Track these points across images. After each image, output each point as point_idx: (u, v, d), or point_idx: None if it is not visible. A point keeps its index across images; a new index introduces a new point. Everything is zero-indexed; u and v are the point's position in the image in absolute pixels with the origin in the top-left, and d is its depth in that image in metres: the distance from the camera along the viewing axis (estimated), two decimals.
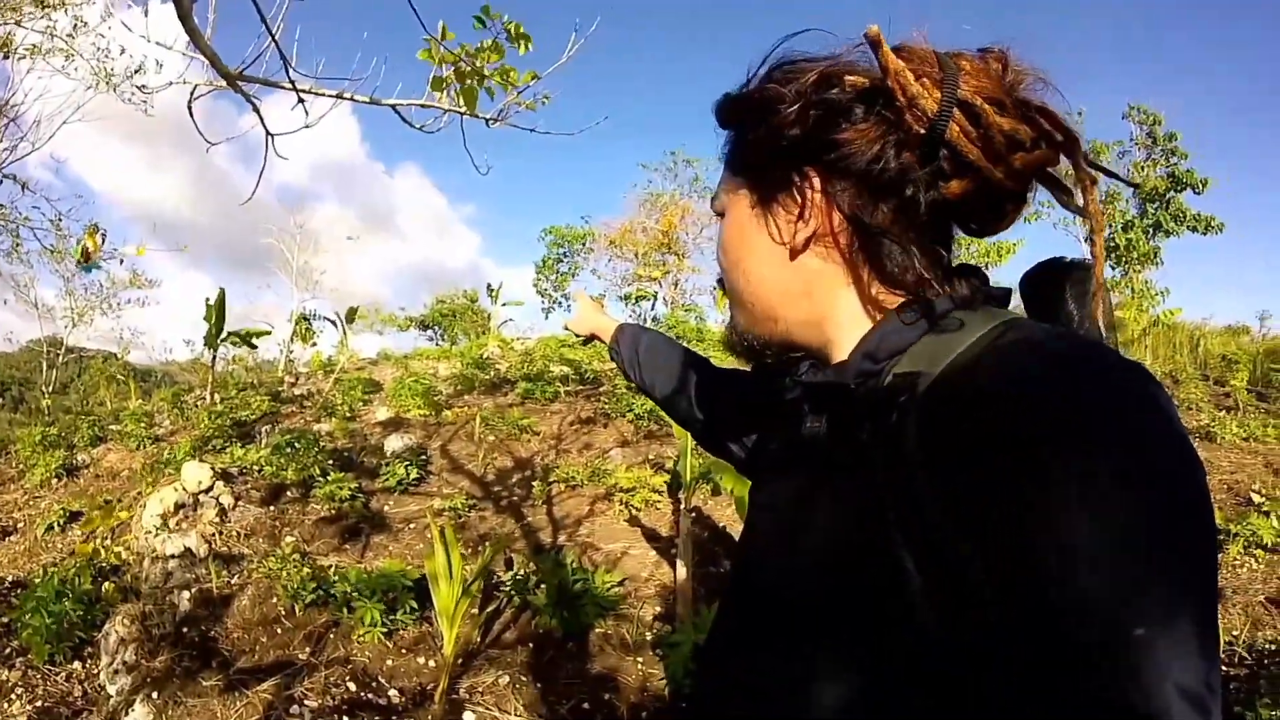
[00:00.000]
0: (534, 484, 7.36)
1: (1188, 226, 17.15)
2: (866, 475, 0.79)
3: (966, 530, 0.67)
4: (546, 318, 26.32)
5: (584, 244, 25.72)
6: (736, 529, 6.44)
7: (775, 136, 0.90)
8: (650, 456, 8.17)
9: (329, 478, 6.93)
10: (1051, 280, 0.89)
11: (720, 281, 1.07)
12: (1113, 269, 17.78)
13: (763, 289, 0.98)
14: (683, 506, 5.56)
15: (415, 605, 5.06)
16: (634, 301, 23.77)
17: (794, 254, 0.93)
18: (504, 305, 21.26)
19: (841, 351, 0.92)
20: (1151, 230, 17.38)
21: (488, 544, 6.05)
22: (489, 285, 21.65)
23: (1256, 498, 6.06)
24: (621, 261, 25.22)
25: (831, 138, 0.86)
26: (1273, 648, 4.46)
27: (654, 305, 23.88)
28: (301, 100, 3.33)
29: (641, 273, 23.98)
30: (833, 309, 0.94)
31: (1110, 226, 17.46)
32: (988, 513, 0.66)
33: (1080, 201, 0.84)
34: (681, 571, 5.12)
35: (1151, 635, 0.60)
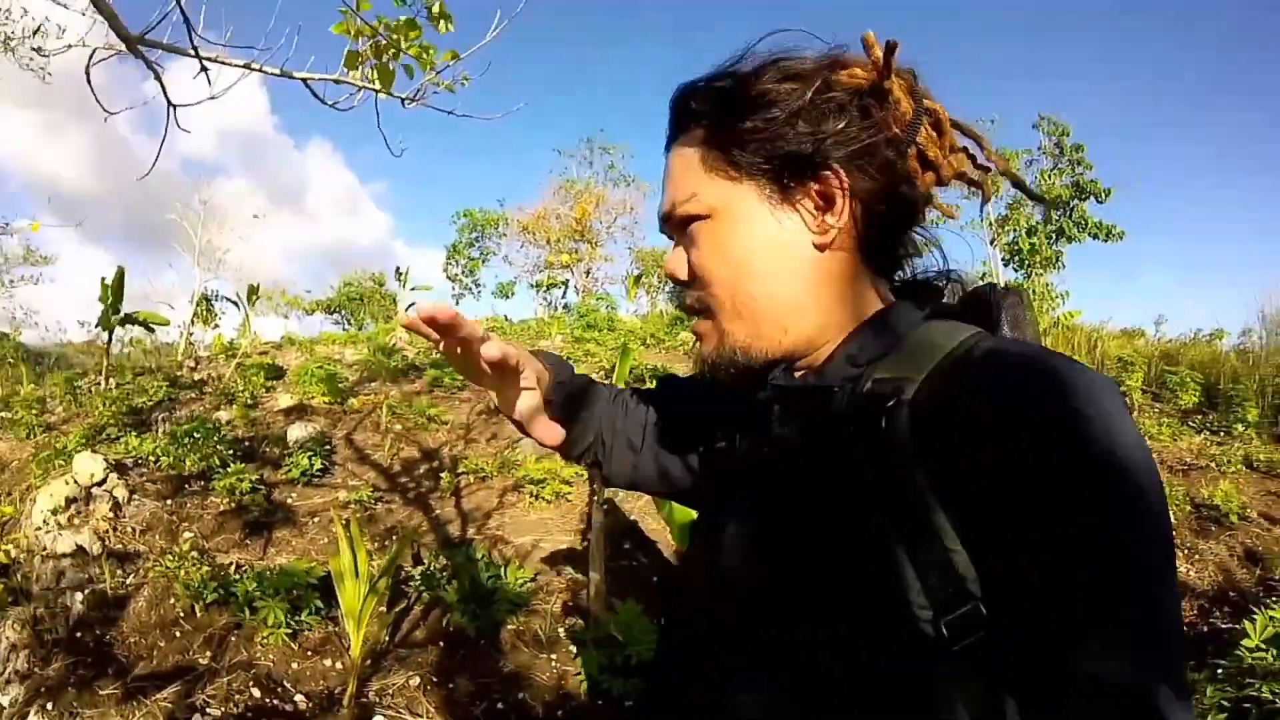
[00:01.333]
0: (442, 475, 7.26)
1: (1089, 234, 17.75)
2: (854, 477, 0.80)
3: (968, 521, 0.72)
4: (457, 303, 25.88)
5: (497, 228, 25.48)
6: (648, 521, 6.53)
7: (798, 130, 0.89)
8: None
9: (229, 469, 6.71)
10: (987, 304, 0.94)
11: (685, 298, 1.00)
12: (1015, 272, 18.34)
13: (780, 294, 0.93)
14: (595, 499, 5.55)
15: (321, 604, 4.93)
16: (545, 289, 23.67)
17: (822, 249, 0.92)
18: (413, 289, 20.95)
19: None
20: (1055, 236, 17.92)
21: (396, 538, 5.96)
22: (397, 269, 21.29)
23: None
24: (534, 248, 25.15)
25: (852, 133, 0.89)
26: None
27: (565, 293, 23.88)
28: (205, 68, 3.16)
29: (553, 260, 23.86)
30: (842, 314, 0.94)
31: (1014, 231, 18.02)
32: (991, 504, 0.71)
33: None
34: (594, 566, 5.11)
35: (1142, 626, 0.66)
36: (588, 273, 24.54)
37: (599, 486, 5.51)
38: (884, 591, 0.75)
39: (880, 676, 0.75)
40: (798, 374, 0.97)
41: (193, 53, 3.03)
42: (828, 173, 0.90)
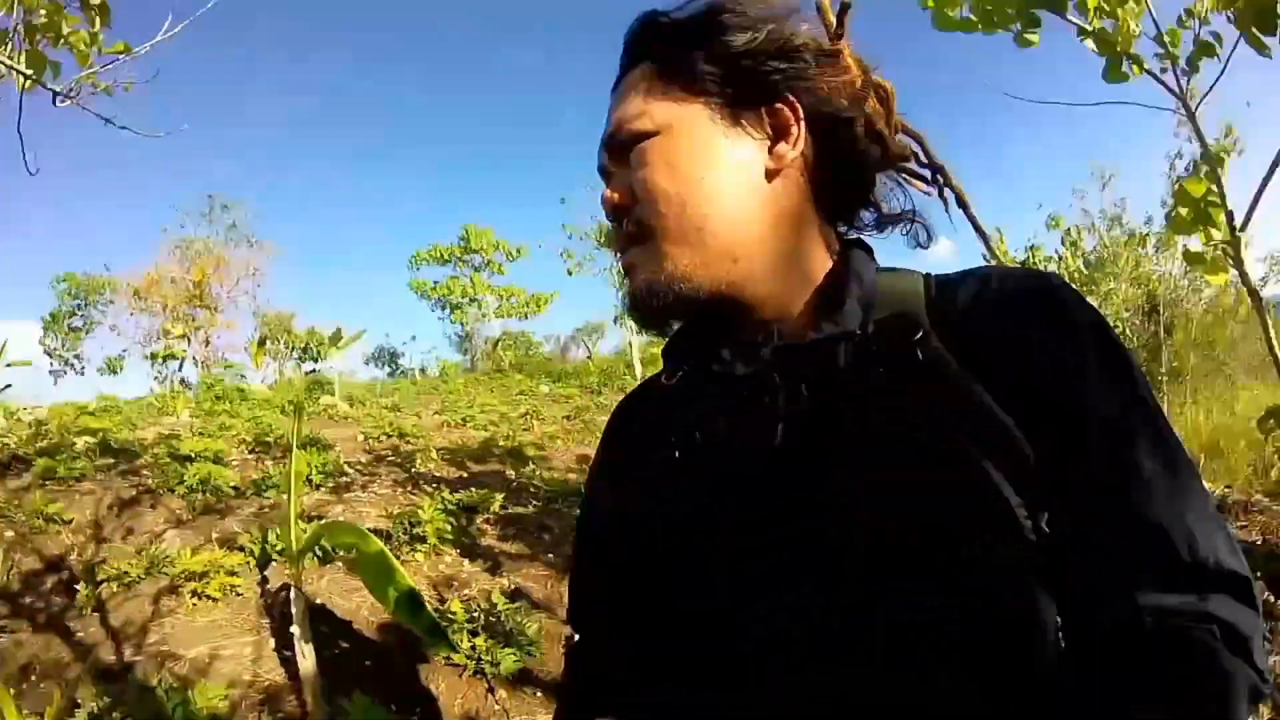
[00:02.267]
0: (77, 587, 6.05)
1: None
2: (909, 413, 0.79)
3: (1045, 409, 0.77)
4: (56, 383, 23.76)
5: (104, 294, 23.79)
6: (340, 599, 5.77)
7: (753, 59, 0.91)
8: (215, 534, 7.12)
9: None
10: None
11: (624, 226, 0.96)
12: None
13: (730, 216, 0.91)
14: (293, 586, 4.74)
15: None
16: (161, 361, 21.97)
17: (772, 177, 0.93)
18: (8, 366, 18.59)
19: (798, 300, 0.93)
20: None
21: (34, 678, 4.77)
22: None
23: None
24: (147, 315, 23.44)
25: (808, 75, 0.92)
26: None
27: (182, 366, 22.31)
28: None
29: (169, 328, 22.29)
30: (791, 255, 0.94)
31: None
32: (1035, 392, 0.78)
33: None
34: (305, 660, 4.36)
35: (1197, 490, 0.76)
36: (207, 342, 23.27)
37: (295, 570, 4.74)
38: (974, 512, 0.73)
39: (979, 602, 0.72)
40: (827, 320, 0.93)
41: None
42: (780, 104, 0.92)
